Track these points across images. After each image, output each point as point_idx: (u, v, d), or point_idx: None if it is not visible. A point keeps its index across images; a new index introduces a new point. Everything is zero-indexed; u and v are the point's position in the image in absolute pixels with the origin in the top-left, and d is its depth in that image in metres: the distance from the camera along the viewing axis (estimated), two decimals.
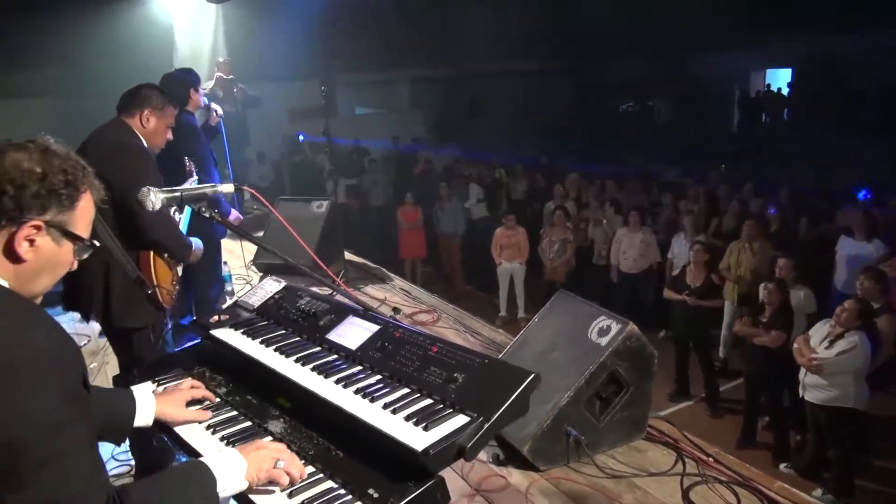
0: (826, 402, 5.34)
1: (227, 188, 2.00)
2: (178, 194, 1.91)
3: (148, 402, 1.82)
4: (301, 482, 1.61)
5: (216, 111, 5.34)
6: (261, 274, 6.18)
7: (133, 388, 1.84)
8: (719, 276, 7.62)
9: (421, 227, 11.06)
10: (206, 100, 5.20)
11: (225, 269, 6.56)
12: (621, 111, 19.93)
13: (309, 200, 6.78)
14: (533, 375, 1.69)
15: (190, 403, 1.97)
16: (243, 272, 6.33)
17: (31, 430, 1.15)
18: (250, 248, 6.69)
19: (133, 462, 3.52)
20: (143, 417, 1.80)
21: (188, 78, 4.90)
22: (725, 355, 7.93)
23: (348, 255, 7.09)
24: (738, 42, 16.11)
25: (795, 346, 5.59)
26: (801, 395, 5.58)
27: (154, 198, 1.85)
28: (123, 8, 7.85)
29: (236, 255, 7.23)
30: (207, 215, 1.91)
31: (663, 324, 8.48)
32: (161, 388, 2.11)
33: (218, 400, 2.04)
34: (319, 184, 11.30)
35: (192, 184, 3.88)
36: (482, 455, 3.73)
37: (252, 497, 1.58)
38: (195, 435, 1.88)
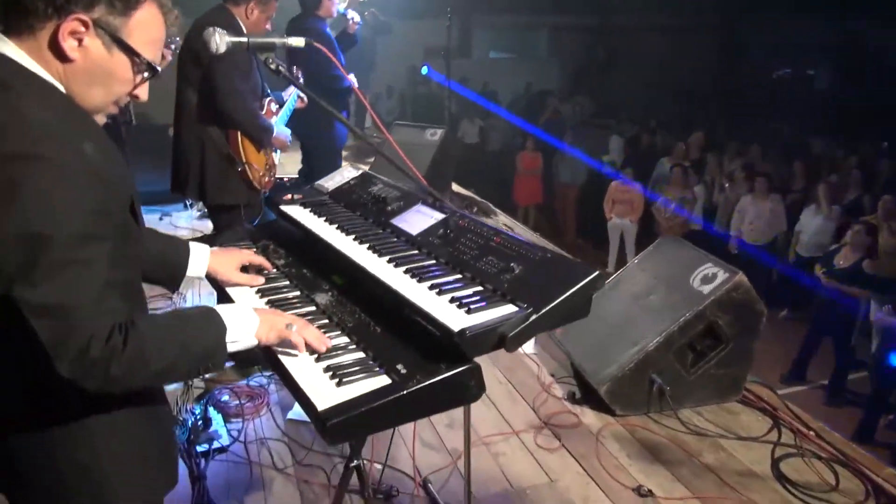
0: None
1: (297, 41, 1.91)
2: (244, 39, 1.84)
3: (202, 256, 1.80)
4: (330, 352, 1.52)
5: (353, 19, 5.30)
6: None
7: (191, 242, 1.82)
8: (873, 263, 6.78)
9: (539, 175, 10.76)
10: (341, 9, 5.17)
11: None
12: (774, 78, 18.30)
13: (424, 128, 6.70)
14: (597, 273, 1.49)
15: (245, 270, 1.93)
16: None
17: (56, 229, 1.11)
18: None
19: None
20: (196, 269, 1.78)
21: None
22: (853, 342, 7.20)
23: (456, 188, 7.00)
24: None
25: None
26: None
27: (218, 38, 1.79)
28: None
29: None
30: (273, 67, 1.83)
31: (787, 304, 7.84)
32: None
33: (275, 271, 2.00)
34: (441, 119, 11.24)
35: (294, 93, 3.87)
36: (557, 391, 3.57)
37: (281, 357, 1.51)
38: (244, 296, 1.85)
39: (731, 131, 11.84)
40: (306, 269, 1.98)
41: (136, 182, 1.35)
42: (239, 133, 3.23)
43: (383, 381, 1.41)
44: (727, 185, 9.03)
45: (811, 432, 3.10)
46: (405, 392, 1.35)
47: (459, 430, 3.21)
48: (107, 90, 1.28)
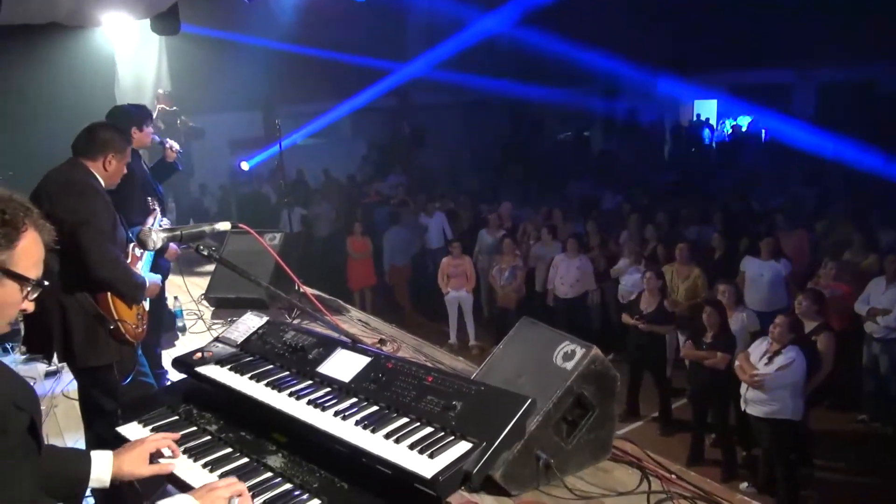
0: (767, 415, 5.64)
1: (224, 226, 2.02)
2: (178, 232, 1.93)
3: (104, 462, 1.73)
4: None
5: (172, 146, 5.07)
6: (212, 309, 6.12)
7: (92, 451, 1.76)
8: (671, 301, 7.83)
9: (370, 257, 11.05)
10: (157, 137, 4.93)
11: (176, 304, 6.42)
12: (558, 140, 20.54)
13: (262, 233, 6.70)
14: (530, 401, 1.76)
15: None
16: (193, 307, 6.19)
17: None
18: (198, 284, 6.57)
19: None
20: (100, 477, 1.71)
21: (135, 114, 4.60)
22: (669, 375, 8.19)
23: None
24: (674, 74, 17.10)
25: (737, 363, 5.87)
26: (743, 409, 5.86)
27: (156, 237, 1.87)
28: (66, 37, 7.67)
29: (184, 290, 7.07)
30: (206, 253, 1.92)
31: (611, 347, 8.73)
32: (147, 428, 2.10)
33: (209, 437, 2.04)
34: (267, 214, 11.19)
35: (156, 222, 3.78)
36: None
37: None
38: (193, 474, 1.87)
39: (534, 196, 13.05)
40: (243, 430, 2.04)
41: None
42: (109, 293, 3.06)
43: None
44: (538, 244, 9.89)
45: (672, 475, 3.57)
46: None
47: None
48: (1, 315, 1.38)
